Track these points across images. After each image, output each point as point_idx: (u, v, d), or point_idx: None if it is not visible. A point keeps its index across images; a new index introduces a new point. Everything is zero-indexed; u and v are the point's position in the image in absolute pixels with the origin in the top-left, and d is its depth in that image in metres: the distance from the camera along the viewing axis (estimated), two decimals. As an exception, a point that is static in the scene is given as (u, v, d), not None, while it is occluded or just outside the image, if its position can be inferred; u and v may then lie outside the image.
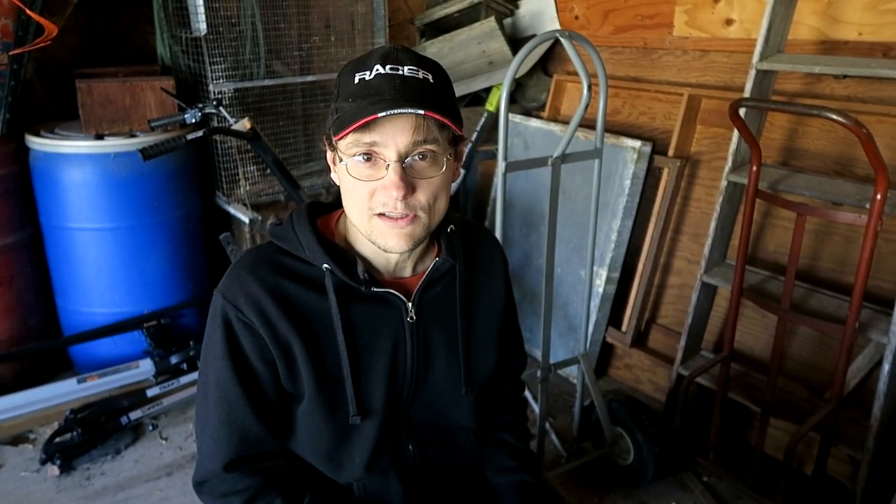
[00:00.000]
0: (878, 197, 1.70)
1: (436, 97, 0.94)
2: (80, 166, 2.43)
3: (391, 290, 1.04)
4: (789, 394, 2.14)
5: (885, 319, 1.85)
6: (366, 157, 0.93)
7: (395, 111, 0.88)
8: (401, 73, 0.92)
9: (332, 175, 1.03)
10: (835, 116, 1.65)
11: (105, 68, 2.75)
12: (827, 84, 2.20)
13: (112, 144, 2.45)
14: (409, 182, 0.92)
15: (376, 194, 0.94)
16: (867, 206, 1.74)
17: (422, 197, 0.95)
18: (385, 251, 0.99)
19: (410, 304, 1.05)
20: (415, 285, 1.06)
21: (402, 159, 0.92)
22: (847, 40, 2.14)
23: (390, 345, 1.06)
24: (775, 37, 2.07)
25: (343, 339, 1.01)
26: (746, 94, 2.07)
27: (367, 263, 1.05)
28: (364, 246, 1.04)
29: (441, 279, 1.09)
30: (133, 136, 2.52)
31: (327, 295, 1.01)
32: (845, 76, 2.11)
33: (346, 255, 1.03)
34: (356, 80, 0.94)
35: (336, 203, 1.10)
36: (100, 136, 2.48)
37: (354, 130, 0.90)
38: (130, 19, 3.18)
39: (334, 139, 0.95)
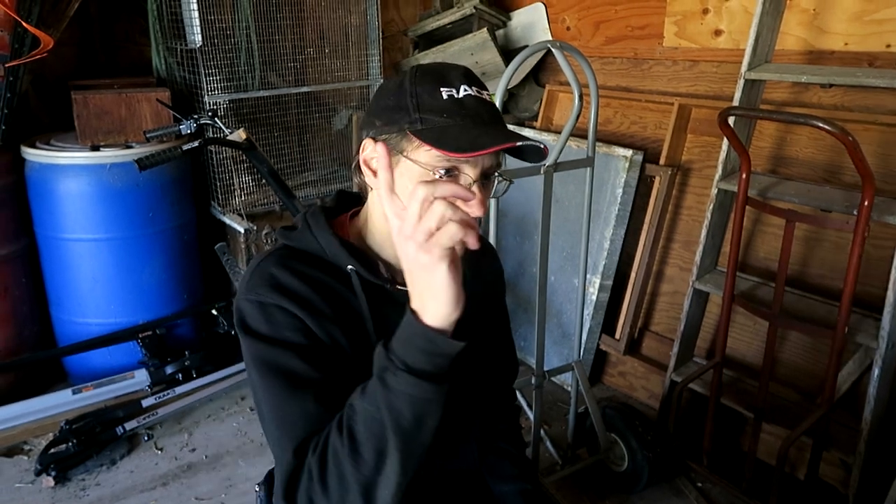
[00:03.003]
0: (866, 203, 1.72)
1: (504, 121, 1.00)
2: (75, 177, 2.44)
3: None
4: (781, 399, 2.16)
5: (874, 324, 1.87)
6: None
7: (509, 144, 0.92)
8: (485, 96, 0.97)
9: (368, 178, 1.02)
10: (821, 125, 1.68)
11: (100, 80, 2.77)
12: (814, 93, 2.23)
13: (107, 155, 2.46)
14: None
15: None
16: (855, 212, 1.77)
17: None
18: None
19: None
20: None
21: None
22: (833, 50, 2.18)
23: None
24: (763, 47, 2.11)
25: (375, 338, 1.01)
26: (735, 103, 2.10)
27: (388, 263, 1.06)
28: (385, 249, 1.05)
29: None
30: (129, 147, 2.53)
31: (355, 294, 1.01)
32: (831, 85, 2.14)
33: (366, 256, 1.04)
34: (445, 96, 0.95)
35: (339, 203, 1.12)
36: (95, 148, 2.49)
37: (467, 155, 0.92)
38: (126, 31, 3.20)
39: (424, 146, 0.92)
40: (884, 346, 1.81)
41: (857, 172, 1.72)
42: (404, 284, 1.04)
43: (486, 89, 1.00)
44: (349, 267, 1.01)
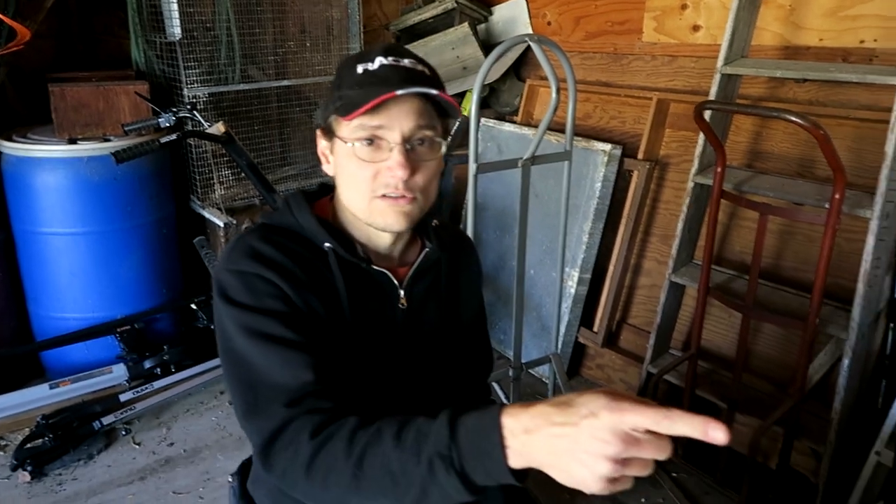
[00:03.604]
0: (837, 196, 1.75)
1: (437, 86, 1.00)
2: (52, 171, 2.42)
3: (387, 272, 1.06)
4: (754, 390, 2.20)
5: (845, 316, 1.90)
6: (369, 141, 0.97)
7: (411, 89, 0.94)
8: (403, 64, 0.98)
9: (325, 166, 1.07)
10: (794, 119, 1.70)
11: (78, 73, 2.74)
12: (790, 88, 2.26)
13: (85, 149, 2.44)
14: (411, 164, 0.97)
15: (380, 176, 0.98)
16: (826, 205, 1.80)
17: (419, 179, 0.99)
18: (382, 230, 1.03)
19: (402, 292, 1.08)
20: (403, 275, 1.09)
21: (405, 142, 0.97)
22: (808, 46, 2.21)
23: (385, 328, 1.08)
24: (739, 42, 2.13)
25: (350, 314, 1.03)
26: (712, 97, 2.12)
27: (361, 246, 1.07)
28: (357, 230, 1.07)
29: (429, 271, 1.12)
30: (107, 140, 2.52)
31: (331, 271, 1.02)
32: (806, 80, 2.17)
33: (344, 236, 1.06)
34: (360, 71, 0.98)
35: (320, 191, 1.13)
36: (73, 141, 2.47)
37: (362, 115, 0.94)
38: (104, 24, 3.18)
39: (342, 120, 0.98)
40: (854, 337, 1.84)
41: (829, 166, 1.74)
42: (379, 264, 1.07)
43: (416, 59, 1.01)
44: (327, 245, 1.03)
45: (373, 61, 0.98)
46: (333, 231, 1.04)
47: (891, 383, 1.84)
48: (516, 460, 0.70)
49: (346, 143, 0.98)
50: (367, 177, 0.98)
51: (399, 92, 0.93)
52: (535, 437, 0.68)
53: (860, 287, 1.82)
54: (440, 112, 1.00)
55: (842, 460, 1.92)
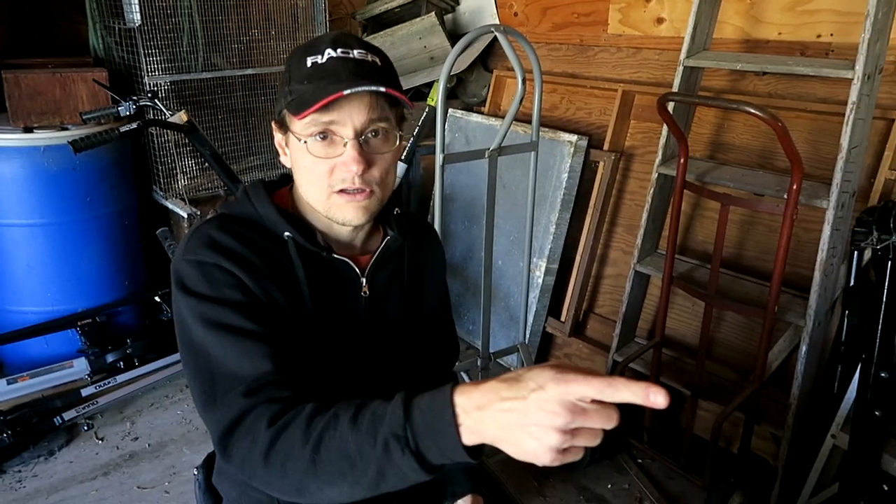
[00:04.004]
0: (794, 187, 1.79)
1: (387, 78, 0.99)
2: (7, 160, 2.35)
3: (348, 260, 1.06)
4: (717, 377, 2.24)
5: (802, 303, 1.95)
6: (322, 136, 0.96)
7: (359, 88, 0.93)
8: (352, 55, 0.97)
9: (283, 158, 1.06)
10: (753, 111, 1.73)
11: (34, 59, 2.67)
12: (750, 81, 2.30)
13: (41, 137, 2.38)
14: (365, 157, 0.96)
15: (335, 171, 0.97)
16: (785, 195, 1.84)
17: (376, 172, 0.99)
18: (342, 225, 1.03)
19: (364, 280, 1.07)
20: (365, 263, 1.09)
21: (358, 136, 0.96)
22: (768, 39, 2.25)
23: (347, 316, 1.07)
24: (701, 35, 2.16)
25: (311, 304, 1.02)
26: (675, 89, 2.15)
27: (321, 234, 1.07)
28: (316, 220, 1.06)
29: (391, 259, 1.12)
30: (64, 128, 2.45)
31: (291, 260, 1.02)
32: (765, 73, 2.21)
33: (304, 224, 1.05)
34: (309, 64, 0.97)
35: (281, 181, 1.12)
36: (28, 129, 2.40)
37: (314, 111, 0.93)
38: (61, 9, 3.09)
39: (295, 119, 0.97)
40: (811, 324, 1.89)
41: (787, 158, 1.78)
42: (340, 253, 1.06)
43: (367, 48, 0.99)
44: (286, 234, 1.02)
45: (322, 53, 0.97)
46: (293, 220, 1.04)
47: (846, 369, 1.90)
48: (469, 437, 0.71)
49: (299, 139, 0.97)
50: (323, 172, 0.97)
51: (346, 92, 0.92)
52: (487, 413, 0.69)
53: (817, 275, 1.87)
54: (393, 102, 0.99)
55: (800, 444, 1.98)
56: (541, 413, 0.66)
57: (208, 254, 0.96)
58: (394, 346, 1.14)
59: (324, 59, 0.96)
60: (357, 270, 1.07)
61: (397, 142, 1.01)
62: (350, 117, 0.95)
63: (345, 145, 0.96)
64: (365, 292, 1.08)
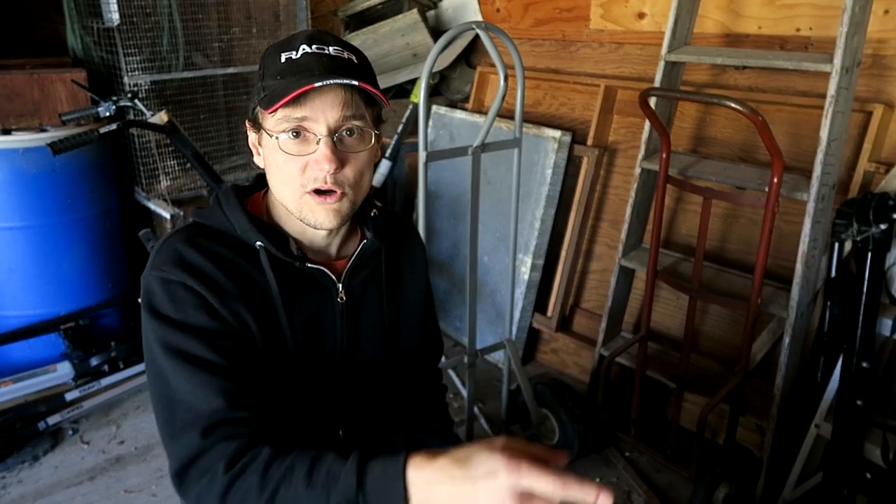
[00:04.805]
0: (775, 180, 1.81)
1: (363, 75, 0.97)
2: (-15, 163, 2.32)
3: (323, 268, 1.04)
4: (702, 369, 2.26)
5: (785, 295, 1.97)
6: (295, 134, 0.94)
7: (331, 81, 0.91)
8: (327, 52, 0.95)
9: (256, 158, 1.04)
10: (733, 105, 1.75)
11: (11, 60, 2.63)
12: (731, 75, 2.32)
13: (20, 139, 2.35)
14: (339, 156, 0.95)
15: (307, 169, 0.95)
16: (766, 189, 1.86)
17: (349, 172, 0.97)
18: (314, 227, 1.00)
19: (340, 286, 1.06)
20: (342, 268, 1.07)
21: (331, 134, 0.94)
22: (748, 34, 2.27)
23: (323, 324, 1.06)
24: (682, 30, 2.17)
25: (285, 316, 1.01)
26: (656, 84, 2.16)
27: (296, 242, 1.05)
28: (290, 225, 1.04)
29: (368, 263, 1.11)
30: (43, 130, 2.42)
31: (263, 272, 1.00)
32: (745, 67, 2.23)
33: (277, 233, 1.03)
34: (283, 60, 0.95)
35: (256, 185, 1.10)
36: (7, 131, 2.37)
37: (285, 105, 0.92)
38: (38, 9, 3.05)
39: (265, 113, 0.95)
40: (793, 316, 1.91)
41: (767, 151, 1.80)
42: (314, 262, 1.05)
43: (343, 45, 0.98)
44: (258, 244, 1.00)
45: (296, 50, 0.95)
46: (265, 228, 1.02)
47: (828, 359, 1.92)
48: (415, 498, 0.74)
49: (271, 136, 0.96)
50: (295, 171, 0.95)
51: (318, 84, 0.90)
52: (437, 490, 0.73)
53: (798, 267, 1.89)
54: (369, 101, 0.97)
55: (784, 434, 2.00)
56: (490, 499, 0.69)
57: (175, 272, 0.95)
58: (374, 348, 1.13)
59: (298, 55, 0.95)
60: (332, 277, 1.05)
61: (373, 141, 0.98)
62: (323, 113, 0.93)
63: (318, 143, 0.94)
64: (342, 298, 1.06)
